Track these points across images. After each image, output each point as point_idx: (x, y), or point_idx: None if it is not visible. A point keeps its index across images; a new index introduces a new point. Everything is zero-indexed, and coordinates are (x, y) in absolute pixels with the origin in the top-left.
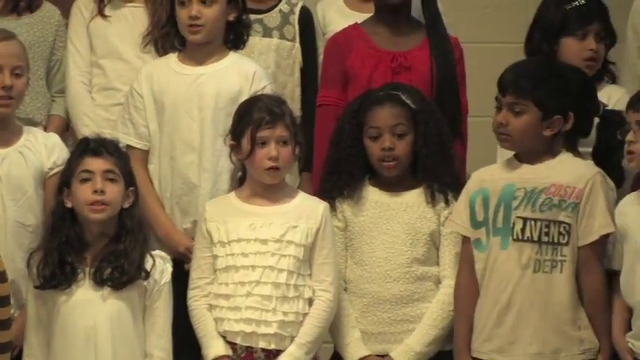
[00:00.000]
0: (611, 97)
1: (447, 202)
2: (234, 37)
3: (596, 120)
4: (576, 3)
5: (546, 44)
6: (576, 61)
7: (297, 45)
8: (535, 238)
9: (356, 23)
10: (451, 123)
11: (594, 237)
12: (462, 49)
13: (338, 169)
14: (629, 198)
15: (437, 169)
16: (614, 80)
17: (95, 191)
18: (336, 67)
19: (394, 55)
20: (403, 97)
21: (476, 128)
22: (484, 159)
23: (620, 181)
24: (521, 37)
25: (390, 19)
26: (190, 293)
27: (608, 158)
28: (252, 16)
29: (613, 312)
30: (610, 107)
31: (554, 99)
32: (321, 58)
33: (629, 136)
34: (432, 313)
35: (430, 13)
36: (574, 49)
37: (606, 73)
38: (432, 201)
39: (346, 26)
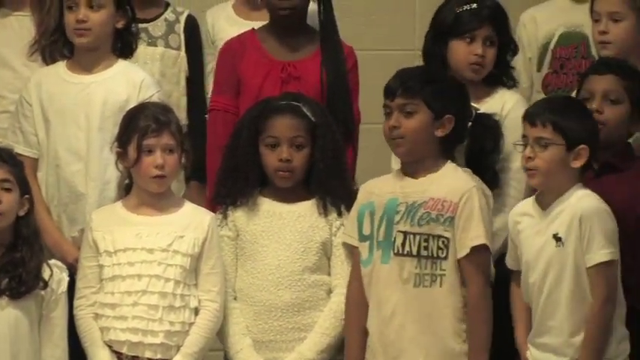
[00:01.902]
0: (506, 102)
1: (339, 214)
2: (123, 45)
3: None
4: (467, 7)
5: (437, 46)
6: (463, 65)
7: (183, 54)
8: (414, 252)
9: (252, 29)
10: (342, 132)
11: (467, 250)
12: (355, 58)
13: (233, 175)
14: (525, 206)
15: (331, 183)
16: (514, 85)
17: None
18: (228, 73)
19: (284, 65)
20: (304, 109)
21: (365, 136)
22: (376, 167)
23: (495, 183)
24: (409, 43)
25: (283, 28)
26: (76, 303)
27: (481, 162)
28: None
29: (515, 318)
30: (504, 113)
31: (442, 99)
32: (209, 66)
33: (528, 152)
34: (324, 322)
35: (325, 21)
36: (461, 52)
37: (505, 77)
38: (324, 211)
39: (242, 32)
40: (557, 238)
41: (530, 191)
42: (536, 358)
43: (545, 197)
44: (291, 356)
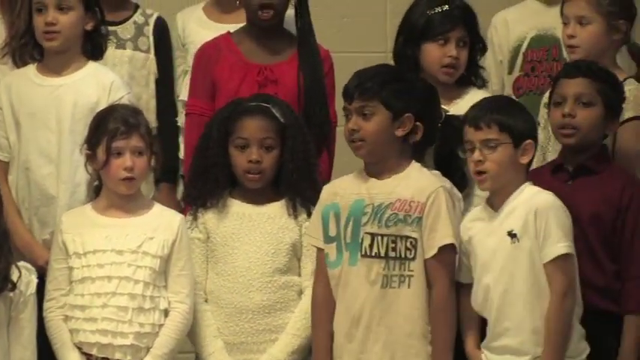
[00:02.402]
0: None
1: (309, 215)
2: (92, 47)
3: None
4: (439, 9)
5: (409, 49)
6: (436, 67)
7: (152, 56)
8: (382, 253)
9: (227, 33)
10: (319, 135)
11: (435, 250)
12: (332, 62)
13: (203, 177)
14: (475, 212)
15: (300, 184)
16: (484, 85)
17: None
18: (204, 77)
19: (261, 68)
20: (273, 111)
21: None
22: (352, 168)
23: (464, 185)
24: (379, 46)
25: (260, 32)
26: (46, 305)
27: (450, 164)
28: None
29: (465, 327)
30: None
31: (401, 98)
32: (179, 69)
33: (477, 156)
34: (295, 323)
35: (302, 25)
36: (434, 55)
37: (476, 78)
38: (294, 213)
39: (214, 35)
40: (511, 235)
41: None
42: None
43: (496, 198)
44: (262, 358)
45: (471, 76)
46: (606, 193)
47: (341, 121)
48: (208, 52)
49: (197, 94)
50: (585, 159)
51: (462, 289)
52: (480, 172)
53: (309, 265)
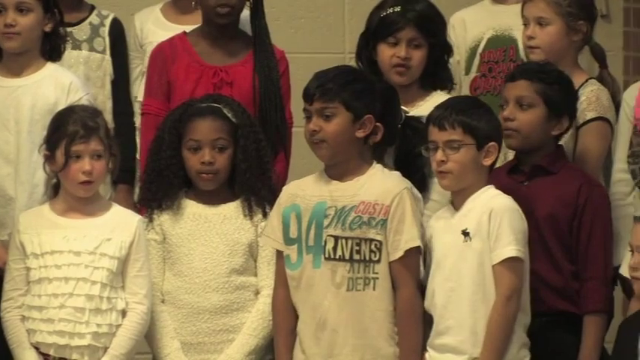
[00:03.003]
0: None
1: (264, 215)
2: (51, 48)
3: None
4: (390, 10)
5: (366, 50)
6: (387, 67)
7: (108, 57)
8: (347, 256)
9: (183, 33)
10: (275, 136)
11: (400, 253)
12: (287, 63)
13: (158, 179)
14: (440, 212)
15: (254, 184)
16: (450, 87)
17: None
18: (159, 77)
19: (216, 70)
20: (225, 111)
21: (295, 139)
22: (309, 169)
23: (423, 187)
24: (338, 47)
25: (216, 32)
26: (3, 305)
27: (410, 165)
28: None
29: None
30: None
31: (361, 99)
32: (137, 70)
33: (439, 156)
34: (252, 323)
35: (258, 26)
36: (385, 55)
37: (439, 80)
38: (249, 213)
39: (173, 35)
40: (465, 234)
41: None
42: (435, 359)
43: (458, 198)
44: (219, 358)
45: (435, 78)
46: (562, 194)
47: (301, 122)
48: (164, 51)
49: (153, 93)
50: (540, 159)
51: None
52: (441, 172)
53: (265, 265)
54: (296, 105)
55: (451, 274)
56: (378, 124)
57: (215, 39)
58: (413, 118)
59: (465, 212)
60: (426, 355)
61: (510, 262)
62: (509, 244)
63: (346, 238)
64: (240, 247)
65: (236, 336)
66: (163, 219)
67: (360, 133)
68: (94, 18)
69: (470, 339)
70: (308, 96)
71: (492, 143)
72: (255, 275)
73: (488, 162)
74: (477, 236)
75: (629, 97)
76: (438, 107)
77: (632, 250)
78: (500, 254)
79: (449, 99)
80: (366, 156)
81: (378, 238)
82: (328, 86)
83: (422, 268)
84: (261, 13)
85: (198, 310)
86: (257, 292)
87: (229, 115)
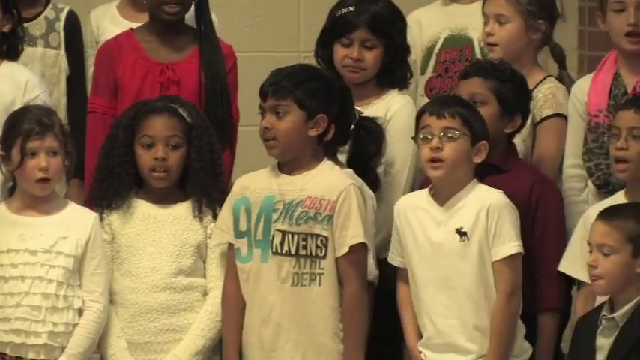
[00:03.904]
0: (392, 106)
1: (214, 217)
2: (8, 47)
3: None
4: (345, 10)
5: (324, 50)
6: (340, 68)
7: (63, 53)
8: (293, 251)
9: (130, 30)
10: (221, 134)
11: (346, 249)
12: (235, 58)
13: (109, 177)
14: (415, 200)
15: (206, 185)
16: (405, 86)
17: None
18: (106, 74)
19: (163, 68)
20: (180, 110)
21: (249, 138)
22: (256, 169)
23: (376, 187)
24: (293, 45)
25: (162, 29)
26: None
27: (363, 165)
28: None
29: (405, 320)
30: (389, 116)
31: (315, 98)
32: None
33: (435, 142)
34: (200, 323)
35: (203, 22)
36: (339, 55)
37: (395, 80)
38: (199, 214)
39: (114, 34)
40: (461, 233)
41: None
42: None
43: (442, 191)
44: (166, 358)
45: (390, 78)
46: (515, 192)
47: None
48: (110, 49)
49: (99, 92)
50: (492, 158)
51: (398, 272)
52: (435, 161)
53: (213, 265)
54: (252, 103)
55: (450, 274)
56: (331, 123)
57: (162, 35)
58: (367, 118)
59: (456, 210)
60: (422, 356)
61: (511, 258)
62: (510, 241)
63: (293, 233)
64: (188, 247)
65: (183, 336)
66: (113, 218)
67: (312, 132)
68: (49, 12)
69: (476, 337)
70: (262, 93)
71: (484, 142)
72: (204, 276)
73: (478, 160)
74: (475, 235)
75: (578, 91)
76: (435, 100)
77: (590, 250)
78: (503, 251)
79: (445, 95)
80: (319, 155)
81: (324, 233)
82: (282, 84)
83: (374, 265)
84: (206, 9)
85: (145, 310)
86: (205, 293)
87: (184, 115)
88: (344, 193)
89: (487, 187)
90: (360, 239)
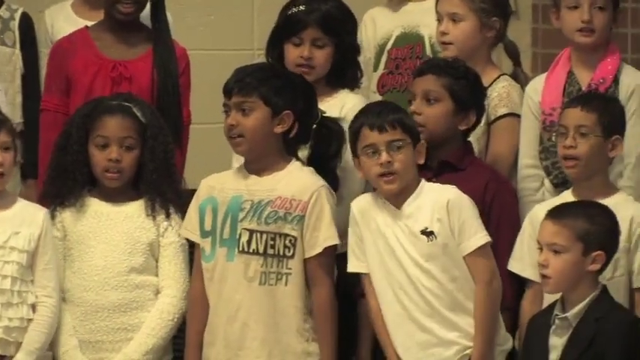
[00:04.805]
0: (345, 104)
1: (167, 216)
2: None
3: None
4: (294, 9)
5: (272, 49)
6: (292, 67)
7: (18, 51)
8: (261, 250)
9: (84, 27)
10: (172, 133)
11: (319, 249)
12: (188, 60)
13: (62, 175)
14: (370, 202)
15: (160, 185)
16: (355, 86)
17: None
18: (58, 72)
19: (115, 64)
20: (135, 110)
21: (203, 136)
22: (216, 167)
23: (335, 188)
24: (247, 43)
25: (117, 27)
26: None
27: (323, 166)
28: None
29: (378, 324)
30: (343, 114)
31: (281, 95)
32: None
33: (385, 157)
34: (151, 322)
35: (158, 22)
36: (290, 55)
37: (347, 79)
38: (152, 213)
39: (68, 33)
40: (427, 233)
41: None
42: (419, 357)
43: (398, 198)
44: (117, 357)
45: (340, 76)
46: (470, 190)
47: (212, 119)
48: (63, 47)
49: (52, 89)
50: (447, 155)
51: (363, 277)
52: (388, 174)
53: (166, 264)
54: (208, 101)
55: (425, 276)
56: (295, 120)
57: (116, 33)
58: (329, 118)
59: (413, 212)
60: (399, 351)
61: (482, 249)
62: (477, 233)
63: (261, 232)
64: (140, 245)
65: (134, 335)
66: (65, 216)
67: (278, 129)
68: (3, 12)
69: (457, 332)
70: (227, 90)
71: (422, 142)
72: (156, 275)
73: (420, 160)
74: (441, 233)
75: (532, 91)
76: (366, 114)
77: (540, 248)
78: (472, 244)
79: (372, 104)
80: (285, 152)
81: (293, 233)
82: (247, 81)
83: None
84: (162, 9)
85: (96, 308)
86: (157, 292)
87: (139, 114)
88: (316, 193)
89: (437, 184)
90: (333, 241)
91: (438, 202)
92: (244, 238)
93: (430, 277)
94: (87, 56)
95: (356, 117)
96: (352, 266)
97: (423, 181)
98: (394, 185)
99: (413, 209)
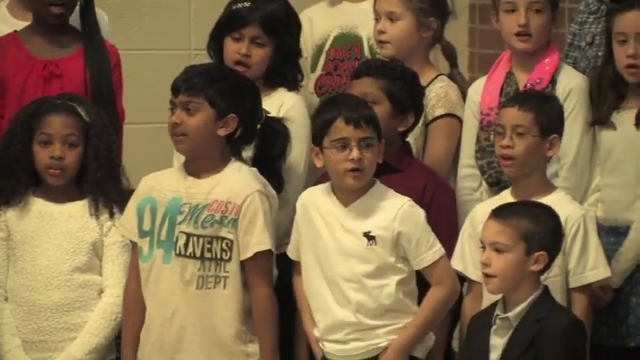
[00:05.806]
0: (284, 104)
1: (111, 215)
2: None
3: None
4: (240, 5)
5: (214, 43)
6: (229, 62)
7: None
8: (198, 254)
9: (14, 31)
10: None
11: (250, 253)
12: (119, 57)
13: (6, 174)
14: (320, 196)
15: (104, 184)
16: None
17: None
18: None
19: (46, 64)
20: (78, 109)
21: (142, 136)
22: (155, 166)
23: (280, 188)
24: (183, 43)
25: (46, 28)
26: None
27: (268, 166)
28: None
29: (303, 309)
30: (281, 114)
31: (227, 98)
32: None
33: (356, 154)
34: (94, 322)
35: (87, 22)
36: (228, 50)
37: (285, 80)
38: (95, 212)
39: (4, 34)
40: (369, 237)
41: None
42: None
43: (351, 194)
44: (60, 357)
45: (279, 77)
46: (408, 191)
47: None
48: None
49: None
50: (386, 157)
51: (295, 265)
52: (356, 170)
53: (109, 264)
54: (146, 101)
55: (354, 275)
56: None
57: (46, 34)
58: (273, 118)
59: (362, 212)
60: (322, 345)
61: (439, 259)
62: (433, 247)
63: (198, 236)
64: (84, 245)
65: (78, 334)
66: (9, 215)
67: (221, 132)
68: None
69: (384, 325)
70: (175, 88)
71: (383, 140)
72: (100, 274)
73: (380, 160)
74: (381, 242)
75: (473, 92)
76: (342, 106)
77: (483, 247)
78: (427, 259)
79: (342, 96)
80: (226, 154)
81: (230, 237)
82: (194, 81)
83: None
84: (91, 9)
85: (39, 308)
86: (101, 291)
87: (83, 113)
88: (249, 198)
89: (391, 190)
90: (266, 247)
91: (390, 212)
92: (181, 242)
93: (362, 278)
94: (18, 58)
95: (327, 107)
96: (289, 251)
97: (378, 182)
98: (360, 181)
99: (361, 209)
